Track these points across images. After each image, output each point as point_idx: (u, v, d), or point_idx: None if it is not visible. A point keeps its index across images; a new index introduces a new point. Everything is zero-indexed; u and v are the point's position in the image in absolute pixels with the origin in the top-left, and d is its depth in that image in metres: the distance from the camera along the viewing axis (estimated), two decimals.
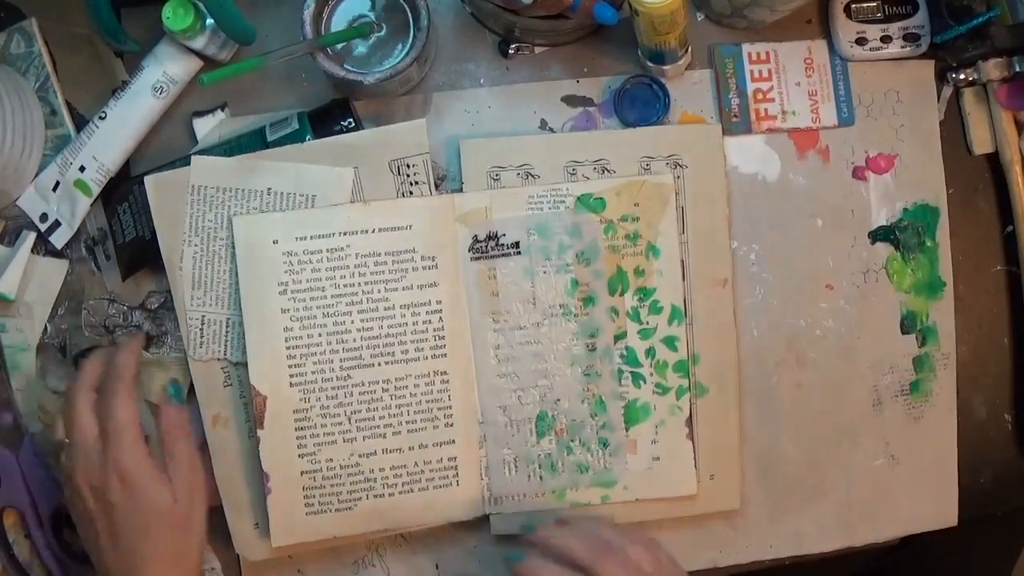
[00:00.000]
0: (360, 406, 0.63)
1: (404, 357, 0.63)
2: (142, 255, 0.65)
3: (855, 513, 0.68)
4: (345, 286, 0.62)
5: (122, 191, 0.65)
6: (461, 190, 0.65)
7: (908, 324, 0.69)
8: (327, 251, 0.62)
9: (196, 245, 0.63)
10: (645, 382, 0.65)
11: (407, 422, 0.63)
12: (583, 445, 0.65)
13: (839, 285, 0.68)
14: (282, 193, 0.63)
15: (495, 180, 0.65)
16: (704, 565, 0.68)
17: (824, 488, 0.68)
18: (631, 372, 0.65)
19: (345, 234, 0.62)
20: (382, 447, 0.63)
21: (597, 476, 0.65)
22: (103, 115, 0.64)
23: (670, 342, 0.65)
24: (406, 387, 0.63)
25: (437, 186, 0.66)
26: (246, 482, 0.64)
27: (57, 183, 0.65)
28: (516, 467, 0.65)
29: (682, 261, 0.65)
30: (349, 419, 0.63)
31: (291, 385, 0.62)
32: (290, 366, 0.62)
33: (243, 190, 0.63)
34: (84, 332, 0.67)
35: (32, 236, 0.66)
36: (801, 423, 0.68)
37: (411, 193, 0.64)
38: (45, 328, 0.67)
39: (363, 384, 0.63)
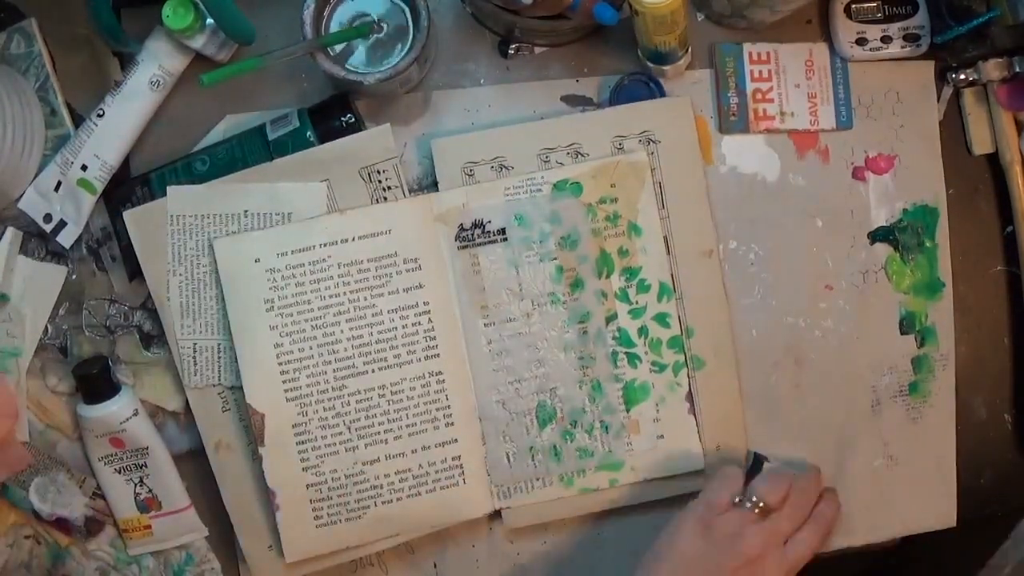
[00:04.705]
0: (358, 414, 0.63)
1: (397, 361, 0.63)
2: None
3: (854, 514, 0.68)
4: (330, 297, 0.63)
5: (124, 192, 0.65)
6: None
7: (907, 325, 0.69)
8: (309, 264, 0.63)
9: (181, 274, 0.64)
10: (641, 361, 0.65)
11: (407, 425, 0.63)
12: (585, 431, 0.65)
13: (838, 286, 0.68)
14: (258, 213, 0.64)
15: (469, 176, 0.65)
16: None
17: None
18: (626, 353, 0.65)
19: (325, 245, 0.63)
20: (385, 453, 0.63)
21: (601, 460, 0.65)
22: (101, 112, 0.64)
23: (662, 319, 0.65)
24: (402, 391, 0.63)
25: (424, 188, 0.66)
26: (257, 505, 0.65)
27: (59, 183, 0.65)
28: (521, 459, 0.65)
29: (665, 237, 0.65)
30: (348, 428, 0.63)
31: (287, 400, 0.62)
32: (284, 381, 0.62)
33: (220, 215, 0.64)
34: (85, 332, 0.67)
35: (19, 235, 0.66)
36: (800, 424, 0.68)
37: (384, 199, 0.64)
38: (46, 329, 0.67)
39: (359, 392, 0.63)
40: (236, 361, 0.63)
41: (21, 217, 0.66)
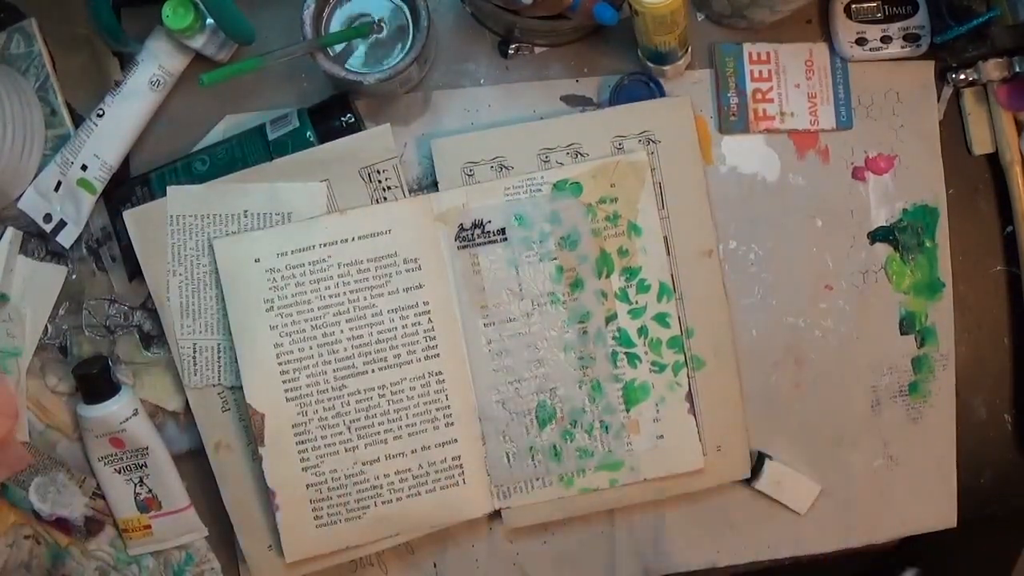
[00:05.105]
0: (358, 414, 0.63)
1: (397, 361, 0.63)
2: None
3: (854, 514, 0.68)
4: (330, 297, 0.63)
5: (124, 192, 0.65)
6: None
7: (907, 325, 0.69)
8: (309, 264, 0.63)
9: (181, 275, 0.64)
10: (641, 361, 0.65)
11: (407, 425, 0.63)
12: (585, 430, 0.65)
13: (838, 286, 0.68)
14: (258, 213, 0.64)
15: (469, 176, 0.65)
16: (703, 565, 0.69)
17: (823, 489, 0.68)
18: (626, 353, 0.65)
19: (325, 245, 0.63)
20: (384, 453, 0.63)
21: (601, 460, 0.65)
22: (101, 112, 0.64)
23: (661, 319, 0.65)
24: (402, 391, 0.63)
25: (424, 188, 0.66)
26: (257, 505, 0.65)
27: (59, 183, 0.65)
28: (521, 459, 0.65)
29: (665, 237, 0.65)
30: (348, 428, 0.63)
31: (287, 400, 0.62)
32: (284, 381, 0.62)
33: (220, 215, 0.64)
34: (85, 332, 0.67)
35: (19, 235, 0.66)
36: (800, 424, 0.68)
37: (384, 199, 0.64)
38: (46, 329, 0.67)
39: (359, 392, 0.63)
40: (236, 361, 0.63)
41: (21, 217, 0.66)
